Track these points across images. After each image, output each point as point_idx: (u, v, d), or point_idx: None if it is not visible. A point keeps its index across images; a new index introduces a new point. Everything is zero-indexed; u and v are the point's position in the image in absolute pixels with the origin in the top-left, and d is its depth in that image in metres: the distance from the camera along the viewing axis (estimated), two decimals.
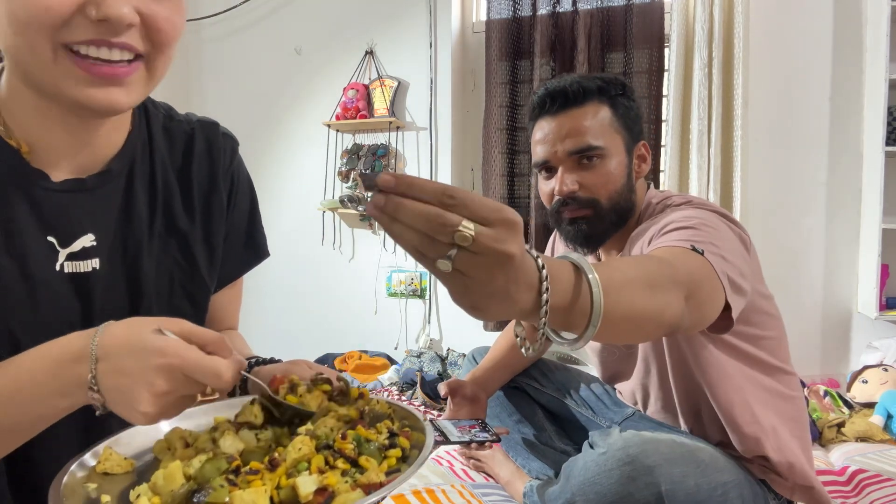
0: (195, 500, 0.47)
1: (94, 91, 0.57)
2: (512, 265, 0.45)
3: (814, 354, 2.41)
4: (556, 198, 1.11)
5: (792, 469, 1.03)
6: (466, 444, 0.92)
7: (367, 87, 2.88)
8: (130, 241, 0.70)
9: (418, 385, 2.35)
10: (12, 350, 0.57)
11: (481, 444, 0.93)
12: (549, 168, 1.12)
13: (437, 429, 0.93)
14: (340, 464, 0.52)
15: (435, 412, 2.26)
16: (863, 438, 1.77)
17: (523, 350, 0.58)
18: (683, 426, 1.15)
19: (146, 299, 0.71)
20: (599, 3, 2.53)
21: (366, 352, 2.82)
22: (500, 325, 2.66)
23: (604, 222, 1.10)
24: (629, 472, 0.89)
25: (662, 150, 2.45)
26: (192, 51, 3.19)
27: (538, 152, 1.12)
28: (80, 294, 0.67)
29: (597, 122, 1.07)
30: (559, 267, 0.53)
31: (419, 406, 2.30)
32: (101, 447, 0.57)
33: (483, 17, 2.74)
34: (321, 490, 0.48)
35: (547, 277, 0.49)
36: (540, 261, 0.50)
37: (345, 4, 2.96)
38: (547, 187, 1.13)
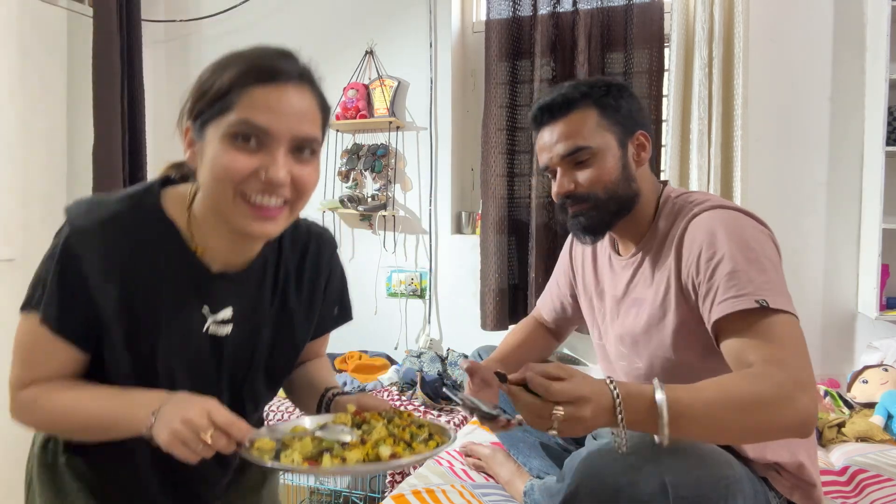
0: (323, 451, 0.80)
1: (256, 225, 0.84)
2: (586, 422, 0.80)
3: (814, 354, 2.36)
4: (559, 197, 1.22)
5: (802, 468, 1.08)
6: (493, 420, 0.96)
7: (367, 86, 2.88)
8: (256, 317, 0.97)
9: (418, 385, 2.34)
10: (169, 380, 0.89)
11: (508, 422, 0.95)
12: (551, 172, 1.23)
13: (467, 403, 0.98)
14: (402, 444, 0.84)
15: (435, 412, 2.26)
16: (863, 438, 1.77)
17: (620, 453, 0.84)
18: None
19: (257, 355, 0.99)
20: (599, 3, 2.53)
21: (366, 352, 2.82)
22: (499, 325, 2.66)
23: (602, 212, 1.18)
24: (633, 461, 0.89)
25: (662, 150, 2.45)
26: (193, 50, 3.19)
27: (541, 159, 1.23)
28: (216, 349, 0.94)
29: (584, 125, 1.16)
30: (637, 395, 0.82)
31: (419, 406, 2.30)
32: (259, 432, 0.85)
33: (483, 17, 2.74)
34: (392, 455, 0.81)
35: (620, 403, 0.80)
36: (616, 391, 0.81)
37: (345, 4, 2.96)
38: (553, 189, 1.23)
